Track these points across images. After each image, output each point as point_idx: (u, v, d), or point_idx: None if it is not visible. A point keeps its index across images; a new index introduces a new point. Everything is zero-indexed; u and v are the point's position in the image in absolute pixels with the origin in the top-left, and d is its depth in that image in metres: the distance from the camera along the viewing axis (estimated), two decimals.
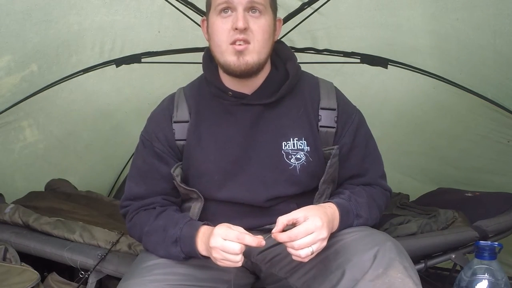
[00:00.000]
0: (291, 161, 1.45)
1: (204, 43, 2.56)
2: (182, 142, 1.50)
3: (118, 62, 2.63)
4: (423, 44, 2.38)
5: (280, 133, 1.47)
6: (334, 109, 1.49)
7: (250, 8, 1.36)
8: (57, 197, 2.64)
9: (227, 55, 1.38)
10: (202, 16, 2.34)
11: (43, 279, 1.94)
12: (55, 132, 2.88)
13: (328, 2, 2.24)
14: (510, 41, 2.04)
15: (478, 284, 1.51)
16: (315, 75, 1.61)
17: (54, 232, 2.01)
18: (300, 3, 2.28)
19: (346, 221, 1.36)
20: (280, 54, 1.53)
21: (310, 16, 2.35)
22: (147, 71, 2.79)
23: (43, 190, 2.81)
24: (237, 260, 1.21)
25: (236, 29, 1.34)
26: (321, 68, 2.59)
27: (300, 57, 2.54)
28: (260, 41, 1.37)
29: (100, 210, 2.56)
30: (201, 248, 1.33)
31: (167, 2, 2.27)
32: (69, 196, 2.73)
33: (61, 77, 2.52)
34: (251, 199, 1.46)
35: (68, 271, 2.08)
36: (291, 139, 1.46)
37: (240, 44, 1.35)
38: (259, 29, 1.37)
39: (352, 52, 2.60)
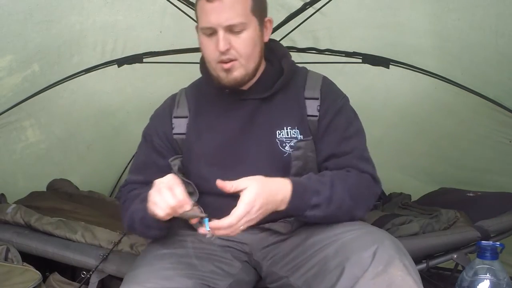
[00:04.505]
0: (286, 149, 1.49)
1: None
2: (181, 136, 1.58)
3: (120, 62, 2.63)
4: (424, 44, 2.38)
5: (275, 123, 1.52)
6: (317, 98, 1.54)
7: (230, 28, 1.41)
8: (59, 197, 2.64)
9: (218, 71, 1.48)
10: None
11: (45, 279, 1.94)
12: (57, 132, 2.89)
13: (330, 2, 2.24)
14: None
15: (480, 284, 1.51)
16: None
17: (56, 232, 2.02)
18: (302, 3, 2.28)
19: (301, 197, 1.35)
20: (275, 51, 1.60)
21: (312, 16, 2.35)
22: (148, 71, 2.79)
23: (45, 190, 2.81)
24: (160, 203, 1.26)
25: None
26: (323, 68, 2.56)
27: (302, 57, 2.56)
28: (244, 55, 1.45)
29: (102, 210, 2.56)
30: None
31: (168, 2, 2.27)
32: (71, 196, 2.74)
33: (62, 77, 2.53)
34: None
35: (70, 271, 2.08)
36: (285, 127, 1.51)
37: (226, 63, 1.44)
38: (241, 45, 1.43)
39: (353, 52, 2.60)
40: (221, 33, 1.41)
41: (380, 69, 2.62)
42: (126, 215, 1.50)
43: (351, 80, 2.77)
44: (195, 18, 2.33)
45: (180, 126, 1.59)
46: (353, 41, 2.55)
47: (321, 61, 2.62)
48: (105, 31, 2.38)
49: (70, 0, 2.07)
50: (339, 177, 1.43)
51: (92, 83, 2.73)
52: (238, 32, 1.42)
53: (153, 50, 2.64)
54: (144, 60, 2.66)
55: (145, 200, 1.38)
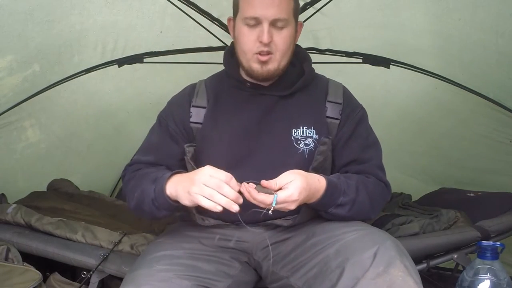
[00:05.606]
0: (300, 146, 1.55)
1: (205, 43, 2.59)
2: (197, 125, 1.62)
3: (120, 62, 2.63)
4: (425, 44, 2.38)
5: (291, 121, 1.59)
6: (339, 103, 1.63)
7: (275, 22, 1.47)
8: (59, 197, 2.64)
9: (251, 62, 1.52)
10: (204, 16, 2.35)
11: (45, 279, 1.94)
12: (57, 132, 2.88)
13: (330, 2, 2.24)
14: None
15: (480, 284, 1.51)
16: None
17: (57, 232, 2.01)
18: (303, 3, 2.28)
19: (331, 195, 1.41)
20: (298, 55, 1.68)
21: (312, 16, 2.35)
22: (149, 71, 2.80)
23: (45, 190, 2.81)
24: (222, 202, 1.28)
25: (261, 42, 1.47)
26: (323, 68, 2.55)
27: None
28: (282, 51, 1.52)
29: (102, 210, 2.56)
30: (170, 187, 1.38)
31: (169, 2, 2.27)
32: (71, 196, 2.73)
33: (63, 77, 2.52)
34: (259, 180, 1.47)
35: (70, 271, 2.07)
36: (301, 127, 1.58)
37: (264, 55, 1.49)
38: (281, 40, 1.51)
39: (354, 52, 2.60)
40: (266, 25, 1.47)
41: (380, 69, 2.62)
42: (134, 195, 1.51)
43: (352, 80, 2.73)
44: (194, 18, 2.38)
45: (198, 115, 1.63)
46: (354, 41, 2.55)
47: (322, 61, 2.62)
48: (106, 31, 2.38)
49: (70, 0, 2.07)
50: (362, 181, 1.51)
51: (92, 83, 2.73)
52: (280, 28, 1.49)
53: (153, 50, 2.64)
54: (145, 60, 2.66)
55: (156, 180, 1.42)
